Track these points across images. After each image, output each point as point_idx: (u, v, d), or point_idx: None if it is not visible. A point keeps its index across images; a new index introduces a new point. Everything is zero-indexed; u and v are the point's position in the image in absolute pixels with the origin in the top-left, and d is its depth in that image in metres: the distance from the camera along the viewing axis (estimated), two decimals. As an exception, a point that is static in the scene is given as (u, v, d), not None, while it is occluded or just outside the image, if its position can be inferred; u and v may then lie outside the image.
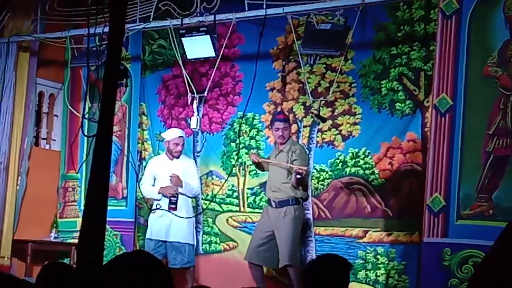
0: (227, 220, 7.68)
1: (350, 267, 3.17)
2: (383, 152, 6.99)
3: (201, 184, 7.73)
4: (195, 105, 7.62)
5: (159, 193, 7.30)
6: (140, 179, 7.79)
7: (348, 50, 6.99)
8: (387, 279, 6.76)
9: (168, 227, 7.19)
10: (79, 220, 8.27)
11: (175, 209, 7.17)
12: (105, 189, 2.64)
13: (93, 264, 2.51)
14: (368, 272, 6.87)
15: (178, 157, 7.36)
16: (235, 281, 7.24)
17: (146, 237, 7.41)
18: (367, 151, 7.06)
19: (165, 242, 7.23)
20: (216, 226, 7.82)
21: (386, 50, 7.03)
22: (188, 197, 7.29)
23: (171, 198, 7.19)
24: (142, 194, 7.76)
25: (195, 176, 7.40)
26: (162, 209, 7.34)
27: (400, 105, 6.94)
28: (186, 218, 7.18)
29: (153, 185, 7.43)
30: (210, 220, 7.85)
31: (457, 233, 5.92)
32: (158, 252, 7.16)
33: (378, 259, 6.85)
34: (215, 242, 7.82)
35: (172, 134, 7.42)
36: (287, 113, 7.21)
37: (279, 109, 7.48)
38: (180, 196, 7.22)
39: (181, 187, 7.22)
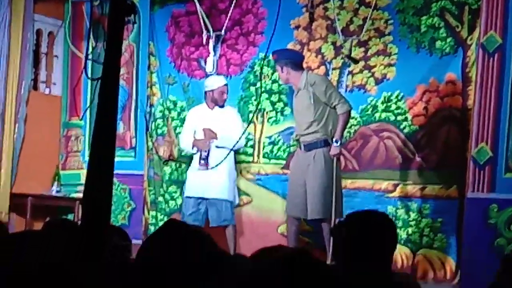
0: (240, 171, 7.70)
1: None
2: (418, 96, 6.94)
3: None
4: (211, 45, 7.57)
5: (193, 146, 7.32)
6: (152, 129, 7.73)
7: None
8: (420, 237, 6.77)
9: (208, 182, 7.17)
10: (83, 173, 8.32)
11: (205, 165, 7.17)
12: (111, 138, 2.63)
13: (100, 221, 2.51)
14: (398, 230, 6.84)
15: (222, 106, 7.35)
16: (250, 241, 7.29)
17: (184, 195, 7.43)
18: (401, 95, 7.00)
19: (205, 199, 7.24)
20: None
21: (428, -19, 6.92)
22: (229, 150, 7.16)
23: (202, 153, 7.19)
24: (181, 148, 7.76)
25: (238, 127, 7.32)
26: (173, 161, 7.36)
27: (440, 44, 6.86)
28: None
29: (194, 138, 7.41)
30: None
31: (505, 187, 5.90)
32: (198, 210, 7.23)
33: (409, 215, 6.84)
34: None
35: (216, 82, 7.36)
36: (281, 53, 6.99)
37: (305, 50, 7.42)
38: (218, 149, 7.19)
39: (216, 139, 7.20)
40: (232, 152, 7.24)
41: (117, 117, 2.73)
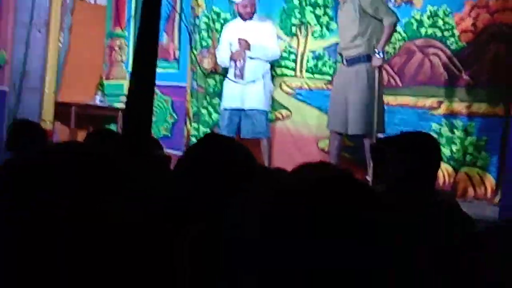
0: (280, 85, 7.64)
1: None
2: (466, 12, 6.75)
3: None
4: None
5: (230, 59, 7.27)
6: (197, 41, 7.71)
7: None
8: (464, 155, 6.70)
9: (243, 93, 7.15)
10: (126, 83, 8.36)
11: (241, 76, 7.14)
12: (154, 49, 2.60)
13: (141, 131, 2.51)
14: (442, 148, 6.76)
15: (250, 18, 7.26)
16: (289, 154, 7.30)
17: (221, 107, 7.41)
18: (448, 10, 6.83)
19: (239, 110, 7.22)
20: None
21: None
22: (264, 61, 7.15)
23: (237, 64, 7.15)
24: (218, 62, 7.71)
25: (272, 38, 7.26)
26: (216, 73, 7.32)
27: (492, -44, 6.64)
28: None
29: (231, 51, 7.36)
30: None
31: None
32: (232, 121, 7.22)
33: (454, 133, 6.76)
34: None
35: None
36: None
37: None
38: (252, 60, 7.15)
39: (249, 50, 7.15)
40: (268, 64, 7.18)
41: (159, 27, 2.69)
